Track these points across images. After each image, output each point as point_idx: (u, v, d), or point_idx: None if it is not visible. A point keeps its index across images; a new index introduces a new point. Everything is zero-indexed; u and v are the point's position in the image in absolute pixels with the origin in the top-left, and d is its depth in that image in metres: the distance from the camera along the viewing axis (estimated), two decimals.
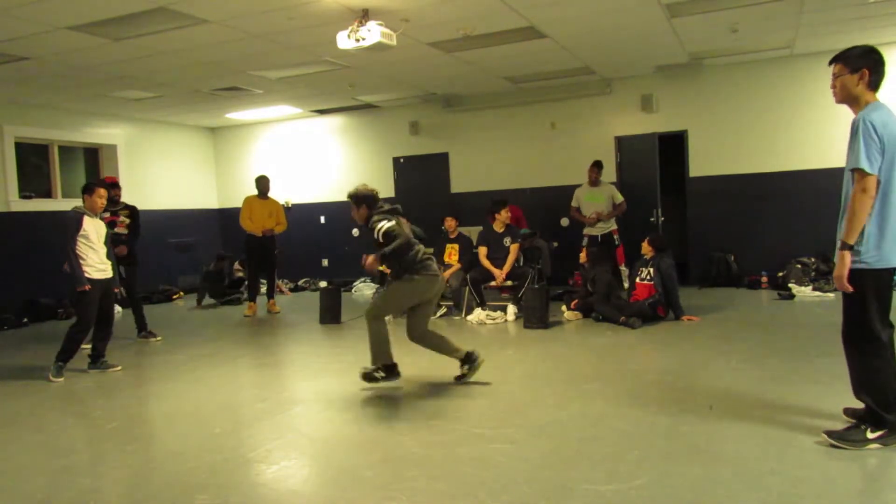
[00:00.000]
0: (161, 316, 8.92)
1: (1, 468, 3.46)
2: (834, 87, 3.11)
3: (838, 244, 3.00)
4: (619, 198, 8.27)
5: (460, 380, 4.64)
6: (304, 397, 4.69)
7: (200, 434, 3.84)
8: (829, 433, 3.14)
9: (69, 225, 5.40)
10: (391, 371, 4.60)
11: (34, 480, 3.29)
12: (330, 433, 3.89)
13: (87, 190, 5.53)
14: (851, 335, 3.14)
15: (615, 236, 8.27)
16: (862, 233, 2.96)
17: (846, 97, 3.08)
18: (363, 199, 4.60)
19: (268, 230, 8.44)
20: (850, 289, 2.99)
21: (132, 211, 6.98)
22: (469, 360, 4.63)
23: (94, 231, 5.45)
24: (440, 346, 4.68)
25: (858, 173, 2.92)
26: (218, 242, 11.78)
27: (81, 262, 5.35)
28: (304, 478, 3.24)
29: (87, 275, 5.35)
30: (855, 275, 2.99)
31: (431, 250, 4.89)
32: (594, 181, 8.33)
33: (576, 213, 8.46)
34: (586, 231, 8.37)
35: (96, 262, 5.45)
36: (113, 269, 5.63)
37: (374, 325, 4.55)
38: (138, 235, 6.99)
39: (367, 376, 4.57)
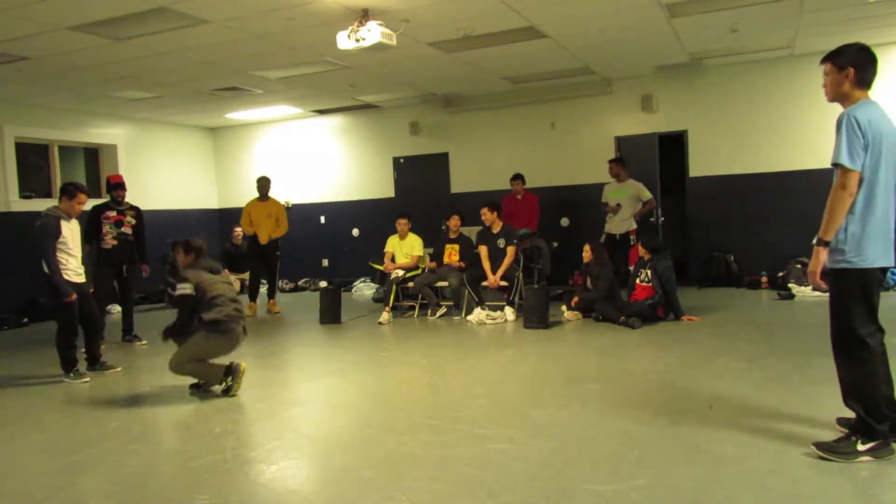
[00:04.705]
0: (160, 316, 8.93)
1: (1, 468, 3.46)
2: (825, 85, 3.10)
3: (814, 239, 2.93)
4: (647, 194, 8.23)
5: (227, 393, 4.55)
6: (304, 397, 4.70)
7: (200, 434, 3.84)
8: (819, 445, 3.01)
9: (48, 232, 5.04)
10: (230, 371, 4.57)
11: (34, 480, 3.29)
12: (330, 433, 3.89)
13: (68, 193, 5.19)
14: (838, 340, 3.05)
15: (632, 236, 8.20)
16: (846, 231, 2.90)
17: (836, 95, 3.06)
18: (192, 249, 4.71)
19: (271, 241, 8.61)
20: (823, 285, 2.96)
21: (138, 212, 6.88)
22: (230, 372, 4.56)
23: (71, 236, 5.22)
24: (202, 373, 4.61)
25: (839, 169, 2.89)
26: (218, 242, 11.75)
27: (62, 268, 5.10)
28: (304, 478, 3.24)
29: (68, 279, 5.14)
30: (838, 275, 2.94)
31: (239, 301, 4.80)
32: (616, 177, 8.37)
33: (603, 206, 8.46)
34: (607, 229, 8.39)
35: (76, 267, 5.26)
36: (85, 270, 5.41)
37: (187, 368, 4.54)
38: (144, 237, 6.89)
39: (225, 391, 4.57)
